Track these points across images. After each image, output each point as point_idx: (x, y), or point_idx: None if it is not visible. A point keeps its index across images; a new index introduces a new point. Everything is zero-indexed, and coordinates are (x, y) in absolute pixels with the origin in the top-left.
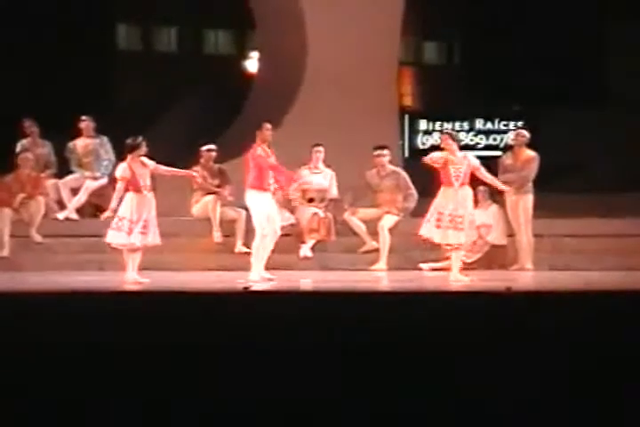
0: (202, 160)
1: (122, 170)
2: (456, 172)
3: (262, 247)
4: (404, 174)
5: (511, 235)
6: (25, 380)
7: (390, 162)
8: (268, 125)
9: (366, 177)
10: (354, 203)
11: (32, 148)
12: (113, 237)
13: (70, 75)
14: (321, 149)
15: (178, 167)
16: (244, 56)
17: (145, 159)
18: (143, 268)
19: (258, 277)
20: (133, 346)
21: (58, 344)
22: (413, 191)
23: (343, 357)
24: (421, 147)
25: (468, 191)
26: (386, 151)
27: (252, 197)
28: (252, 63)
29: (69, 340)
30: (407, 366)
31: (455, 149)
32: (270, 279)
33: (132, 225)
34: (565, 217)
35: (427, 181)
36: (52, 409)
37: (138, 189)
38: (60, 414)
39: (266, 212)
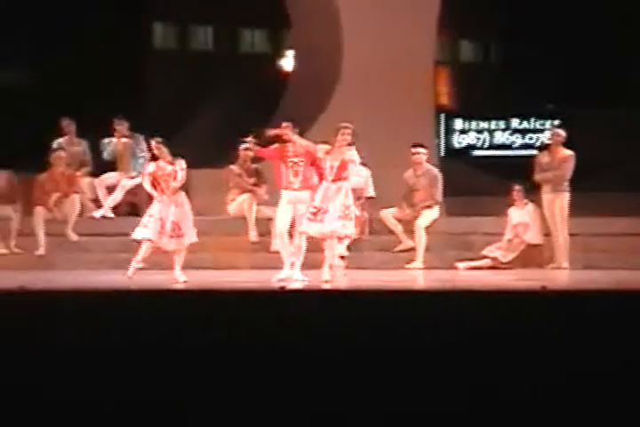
0: (239, 159)
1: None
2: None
3: (296, 247)
4: (438, 174)
5: (547, 234)
6: (63, 380)
7: (427, 161)
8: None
9: (404, 177)
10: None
11: (67, 146)
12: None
13: (107, 74)
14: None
15: (213, 166)
16: (280, 55)
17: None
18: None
19: (293, 276)
20: (167, 345)
21: (93, 343)
22: (438, 193)
23: (380, 356)
24: (457, 146)
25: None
26: (422, 149)
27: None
28: (287, 62)
29: (105, 339)
30: (446, 363)
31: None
32: (304, 280)
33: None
34: (601, 216)
35: (463, 180)
36: (102, 408)
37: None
38: (116, 414)
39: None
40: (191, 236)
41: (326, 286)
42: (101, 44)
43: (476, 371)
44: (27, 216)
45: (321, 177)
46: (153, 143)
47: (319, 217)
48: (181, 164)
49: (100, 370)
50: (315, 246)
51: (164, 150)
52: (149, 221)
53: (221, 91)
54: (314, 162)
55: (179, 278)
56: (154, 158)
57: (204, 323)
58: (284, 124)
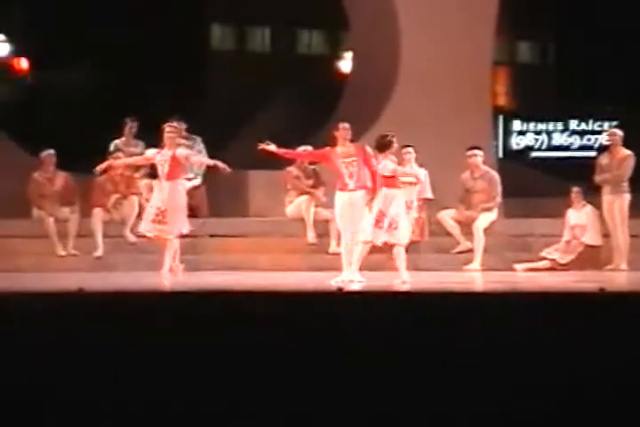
0: (297, 161)
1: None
2: None
3: (347, 250)
4: (496, 176)
5: (606, 235)
6: (129, 381)
7: (484, 163)
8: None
9: (461, 179)
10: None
11: (125, 147)
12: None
13: (164, 75)
14: (410, 150)
15: (271, 168)
16: (338, 56)
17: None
18: (235, 267)
19: (351, 278)
20: (226, 346)
21: (154, 345)
22: (497, 195)
23: (439, 357)
24: (515, 147)
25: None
26: (478, 152)
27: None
28: (345, 63)
29: (166, 340)
30: (506, 365)
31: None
32: (360, 281)
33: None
34: None
35: (521, 182)
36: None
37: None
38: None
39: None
40: (178, 227)
41: (404, 287)
42: (159, 46)
43: (535, 373)
44: (85, 218)
45: (374, 178)
46: (168, 128)
47: (382, 224)
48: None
49: (164, 372)
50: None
51: (175, 136)
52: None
53: (279, 92)
54: (367, 162)
55: (162, 277)
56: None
57: (263, 324)
58: (342, 126)
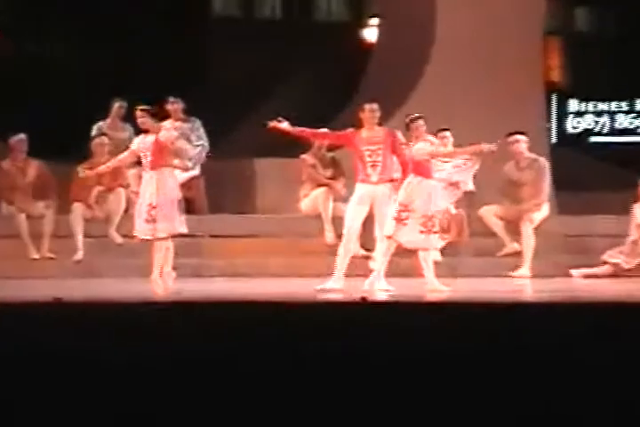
0: (313, 147)
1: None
2: None
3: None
4: (546, 164)
5: None
6: (107, 400)
7: (533, 150)
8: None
9: (504, 170)
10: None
11: (110, 131)
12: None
13: (158, 47)
14: (447, 134)
15: (283, 156)
16: (362, 23)
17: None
18: (240, 273)
19: (378, 286)
20: (226, 361)
21: (142, 362)
22: (547, 187)
23: (477, 378)
24: (572, 131)
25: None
26: (522, 137)
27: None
28: (371, 32)
29: (157, 357)
30: (561, 381)
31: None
32: (387, 290)
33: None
34: None
35: (578, 172)
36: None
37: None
38: None
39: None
40: (172, 224)
41: (435, 297)
42: (152, 12)
43: (594, 396)
44: (62, 214)
45: (405, 170)
46: (138, 113)
47: (406, 220)
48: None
49: (155, 392)
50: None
51: (149, 121)
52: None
53: (293, 66)
54: (396, 150)
55: (153, 284)
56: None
57: (272, 339)
58: (368, 107)
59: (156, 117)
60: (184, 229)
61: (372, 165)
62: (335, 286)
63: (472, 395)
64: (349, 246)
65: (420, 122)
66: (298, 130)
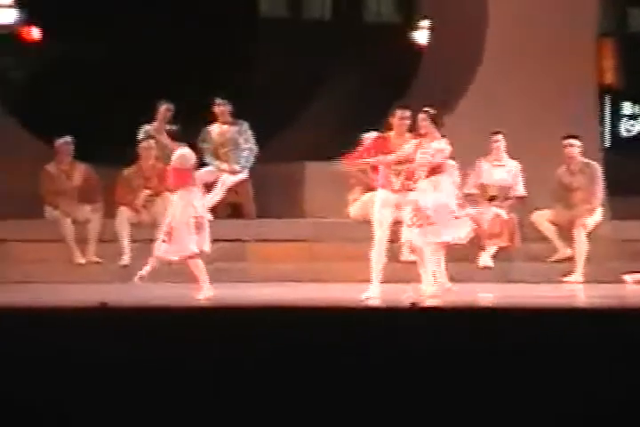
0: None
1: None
2: None
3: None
4: (598, 169)
5: None
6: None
7: (586, 153)
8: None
9: (556, 174)
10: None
11: (157, 135)
12: None
13: (205, 49)
14: (500, 137)
15: (332, 159)
16: (412, 25)
17: None
18: (287, 278)
19: (433, 290)
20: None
21: (190, 367)
22: (600, 191)
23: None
24: (626, 135)
25: None
26: (575, 141)
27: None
28: (421, 34)
29: (204, 363)
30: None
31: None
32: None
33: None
34: None
35: (632, 176)
36: None
37: None
38: None
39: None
40: (187, 246)
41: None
42: (197, 14)
43: None
44: (109, 218)
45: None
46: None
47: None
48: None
49: (200, 398)
50: (453, 255)
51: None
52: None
53: (341, 68)
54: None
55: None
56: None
57: (319, 345)
58: (399, 114)
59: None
60: (194, 249)
61: (397, 173)
62: (370, 295)
63: (530, 397)
64: (380, 252)
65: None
66: (370, 161)
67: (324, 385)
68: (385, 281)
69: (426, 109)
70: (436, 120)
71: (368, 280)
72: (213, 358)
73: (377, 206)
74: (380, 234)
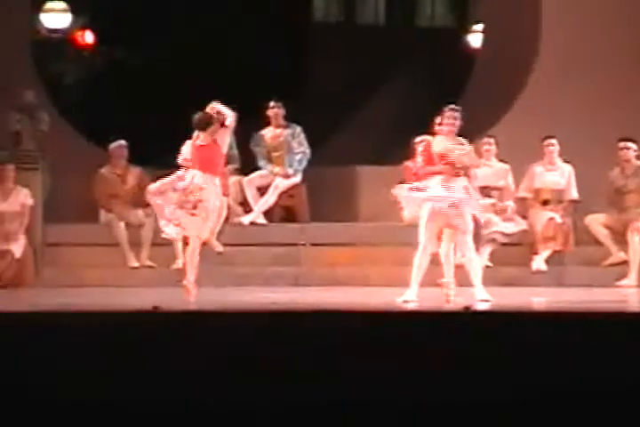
0: (416, 154)
1: None
2: None
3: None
4: None
5: None
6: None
7: (638, 158)
8: None
9: (610, 177)
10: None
11: None
12: None
13: (257, 52)
14: (554, 141)
15: (386, 163)
16: (466, 29)
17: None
18: (341, 282)
19: (485, 296)
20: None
21: (239, 372)
22: None
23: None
24: None
25: None
26: (632, 144)
27: None
28: (474, 37)
29: (254, 367)
30: None
31: None
32: (488, 300)
33: None
34: None
35: None
36: None
37: None
38: None
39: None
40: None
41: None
42: (250, 17)
43: None
44: None
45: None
46: None
47: None
48: None
49: (254, 400)
50: (506, 259)
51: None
52: None
53: (395, 72)
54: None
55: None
56: None
57: (373, 348)
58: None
59: None
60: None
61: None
62: (407, 298)
63: (593, 406)
64: (425, 256)
65: None
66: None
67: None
68: (439, 285)
69: (455, 108)
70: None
71: (423, 284)
72: (269, 360)
73: (424, 213)
74: (425, 241)
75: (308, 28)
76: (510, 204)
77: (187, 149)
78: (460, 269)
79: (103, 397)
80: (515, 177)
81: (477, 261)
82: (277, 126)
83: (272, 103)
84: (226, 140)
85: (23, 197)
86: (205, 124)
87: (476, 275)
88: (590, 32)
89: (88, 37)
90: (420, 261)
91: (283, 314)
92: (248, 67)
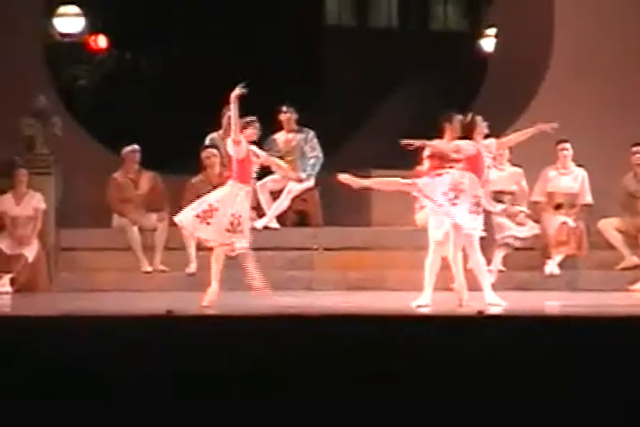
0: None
1: None
2: None
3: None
4: None
5: None
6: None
7: None
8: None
9: (623, 181)
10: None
11: (223, 142)
12: None
13: (270, 55)
14: (567, 145)
15: (398, 168)
16: (479, 34)
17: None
18: (355, 286)
19: (495, 300)
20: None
21: (251, 376)
22: None
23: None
24: None
25: None
26: None
27: None
28: (488, 42)
29: (267, 371)
30: None
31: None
32: (500, 304)
33: None
34: None
35: None
36: None
37: None
38: None
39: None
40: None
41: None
42: (263, 21)
43: None
44: (175, 227)
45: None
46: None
47: None
48: None
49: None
50: (519, 263)
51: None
52: None
53: (407, 76)
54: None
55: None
56: None
57: (386, 354)
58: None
59: None
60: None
61: None
62: (421, 303)
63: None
64: (435, 260)
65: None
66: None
67: (389, 391)
68: (450, 289)
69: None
70: None
71: (436, 288)
72: (281, 365)
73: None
74: (435, 244)
75: (320, 32)
76: (524, 209)
77: None
78: (470, 272)
79: (116, 400)
80: (528, 181)
81: (483, 264)
82: (290, 131)
83: (284, 108)
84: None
85: (36, 202)
86: None
87: (484, 278)
88: (603, 37)
89: (101, 41)
90: (431, 266)
91: (297, 318)
92: (261, 70)
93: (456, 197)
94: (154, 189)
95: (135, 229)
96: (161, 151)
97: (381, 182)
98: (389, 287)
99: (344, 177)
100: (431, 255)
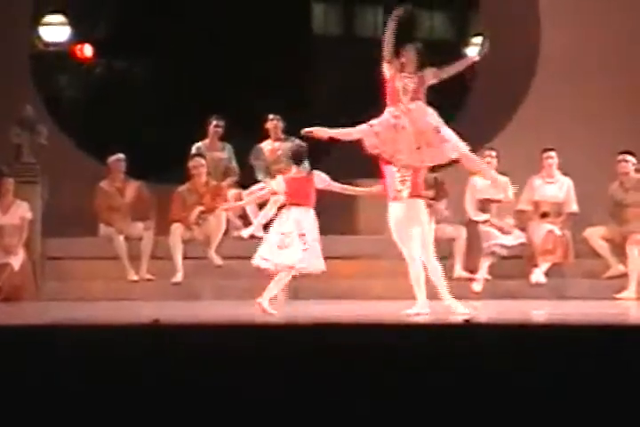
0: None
1: None
2: None
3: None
4: None
5: None
6: None
7: (637, 171)
8: None
9: (610, 190)
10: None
11: (208, 152)
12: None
13: (258, 64)
14: (552, 154)
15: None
16: (465, 42)
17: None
18: (341, 295)
19: (460, 309)
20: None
21: (239, 387)
22: None
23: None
24: None
25: None
26: (631, 158)
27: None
28: (474, 50)
29: (256, 385)
30: None
31: None
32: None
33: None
34: None
35: None
36: None
37: None
38: None
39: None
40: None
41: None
42: (249, 29)
43: None
44: (161, 235)
45: None
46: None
47: None
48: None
49: (251, 414)
50: (505, 272)
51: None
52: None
53: None
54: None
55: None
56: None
57: (374, 364)
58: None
59: None
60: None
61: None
62: (415, 311)
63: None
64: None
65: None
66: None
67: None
68: (439, 298)
69: None
70: None
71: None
72: (271, 377)
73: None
74: (407, 251)
75: (307, 41)
76: (509, 221)
77: None
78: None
79: (103, 411)
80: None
81: (440, 270)
82: (276, 140)
83: (271, 116)
84: None
85: (22, 211)
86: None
87: (441, 285)
88: (590, 45)
89: (87, 50)
90: (415, 273)
91: (285, 328)
92: (248, 79)
93: None
94: (140, 197)
95: (121, 238)
96: (147, 160)
97: (341, 133)
98: (376, 296)
99: (307, 129)
100: (410, 263)
